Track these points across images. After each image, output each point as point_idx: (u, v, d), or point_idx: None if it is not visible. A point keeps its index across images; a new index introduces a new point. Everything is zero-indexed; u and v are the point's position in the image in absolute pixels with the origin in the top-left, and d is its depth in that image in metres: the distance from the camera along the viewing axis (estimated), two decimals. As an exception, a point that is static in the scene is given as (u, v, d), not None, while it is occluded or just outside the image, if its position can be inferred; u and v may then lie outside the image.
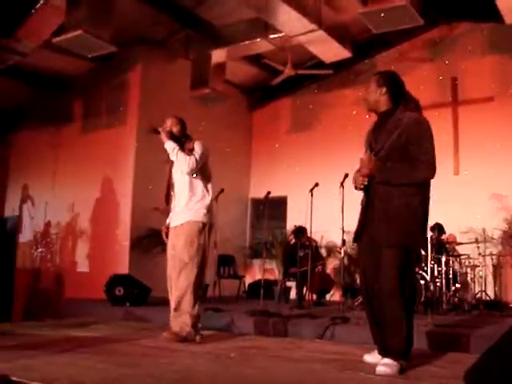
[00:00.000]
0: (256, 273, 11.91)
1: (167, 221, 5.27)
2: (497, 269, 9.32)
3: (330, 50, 9.27)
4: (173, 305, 4.91)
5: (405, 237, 3.75)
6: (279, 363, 4.09)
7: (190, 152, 5.04)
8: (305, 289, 8.85)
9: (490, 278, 8.96)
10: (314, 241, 9.50)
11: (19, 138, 12.43)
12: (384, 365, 3.60)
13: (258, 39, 9.44)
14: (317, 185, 7.33)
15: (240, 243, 12.43)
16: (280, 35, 9.11)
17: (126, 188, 10.14)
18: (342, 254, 7.73)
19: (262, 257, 8.69)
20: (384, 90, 4.00)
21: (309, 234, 8.32)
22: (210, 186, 5.21)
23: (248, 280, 11.54)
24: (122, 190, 10.23)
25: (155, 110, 9.55)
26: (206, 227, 5.04)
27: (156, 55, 10.59)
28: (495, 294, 9.02)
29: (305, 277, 8.40)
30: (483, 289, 8.57)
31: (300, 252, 8.63)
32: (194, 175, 5.05)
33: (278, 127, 12.89)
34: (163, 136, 5.11)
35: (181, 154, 4.99)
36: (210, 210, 5.11)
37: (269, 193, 7.69)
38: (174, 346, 4.70)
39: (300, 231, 9.30)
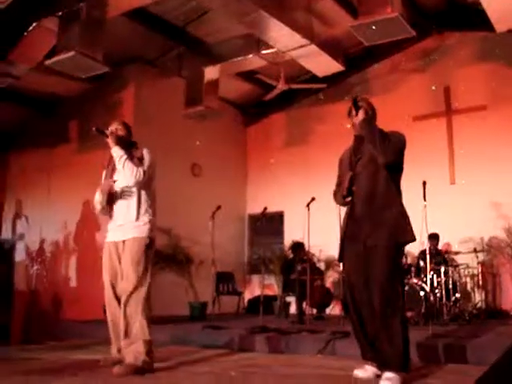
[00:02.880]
0: (255, 288, 11.86)
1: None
2: (496, 278, 9.29)
3: (323, 64, 9.29)
4: (122, 333, 4.35)
5: (394, 236, 3.82)
6: (281, 381, 4.06)
7: (139, 161, 4.60)
8: (304, 303, 8.81)
9: (489, 287, 8.93)
10: (312, 255, 9.47)
11: (15, 158, 12.42)
12: (386, 379, 3.59)
13: (251, 55, 9.46)
14: (313, 199, 7.32)
15: (238, 259, 12.39)
16: (272, 50, 9.12)
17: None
18: (341, 268, 7.70)
19: (260, 272, 8.67)
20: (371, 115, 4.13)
21: (306, 249, 8.29)
22: (154, 198, 4.74)
23: (247, 296, 11.50)
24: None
25: (149, 128, 9.55)
26: (152, 243, 4.57)
27: (149, 74, 10.61)
28: (495, 303, 8.98)
29: (304, 291, 8.36)
30: (483, 298, 8.55)
31: (298, 266, 8.61)
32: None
33: (273, 142, 12.89)
34: (111, 140, 4.61)
35: (129, 164, 4.52)
36: (153, 224, 4.63)
37: (265, 208, 7.68)
38: (174, 365, 4.65)
39: (297, 246, 9.30)
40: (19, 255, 11.77)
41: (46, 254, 11.45)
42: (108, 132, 4.67)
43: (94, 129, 4.62)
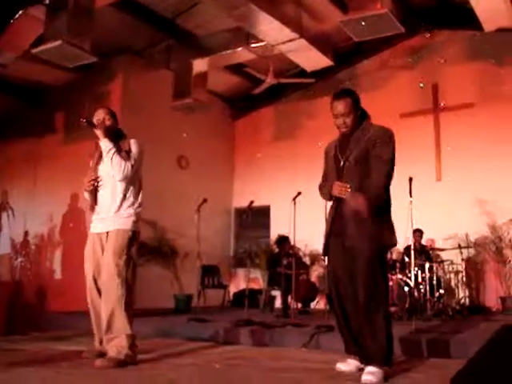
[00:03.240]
0: (240, 282, 11.87)
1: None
2: (480, 274, 9.37)
3: (312, 59, 9.29)
4: (104, 326, 4.29)
5: (379, 240, 3.81)
6: (265, 374, 4.06)
7: (127, 154, 4.50)
8: (289, 297, 8.83)
9: (473, 284, 9.00)
10: (298, 249, 9.49)
11: (0, 148, 12.31)
12: (369, 373, 3.59)
13: (240, 48, 9.45)
14: (299, 193, 7.32)
15: (224, 253, 12.40)
16: (261, 44, 9.11)
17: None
18: (326, 262, 7.72)
19: (246, 266, 8.68)
20: (360, 112, 4.07)
21: (292, 243, 8.31)
22: (140, 190, 4.64)
23: (232, 289, 11.51)
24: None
25: (137, 120, 9.50)
26: (136, 236, 4.50)
27: (137, 65, 10.56)
28: (478, 299, 9.05)
29: (289, 285, 8.38)
30: (467, 294, 8.62)
31: (284, 260, 8.62)
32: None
33: (261, 136, 12.89)
34: (100, 132, 4.51)
35: (116, 158, 4.43)
36: (138, 217, 4.55)
37: (252, 202, 7.67)
38: (158, 358, 4.65)
39: (282, 240, 9.32)
40: (4, 247, 11.73)
41: (31, 247, 11.38)
42: (96, 123, 4.57)
43: (83, 120, 4.53)
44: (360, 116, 4.06)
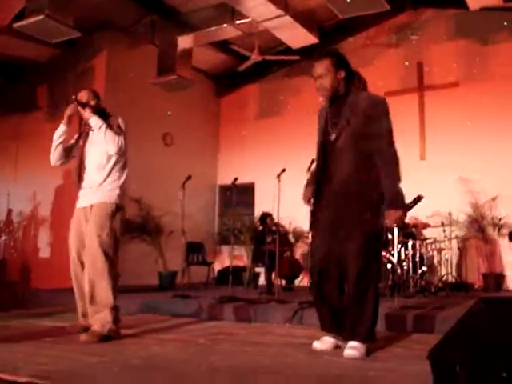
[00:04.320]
0: (225, 259, 11.90)
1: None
2: (462, 252, 9.47)
3: (297, 36, 9.27)
4: (87, 299, 4.33)
5: (369, 222, 3.73)
6: (248, 348, 4.09)
7: (118, 129, 4.57)
8: (273, 274, 8.88)
9: (455, 261, 9.10)
10: (282, 226, 9.53)
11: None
12: (351, 348, 3.62)
13: (225, 25, 9.38)
14: (284, 170, 7.33)
15: (208, 230, 12.42)
16: (247, 21, 9.05)
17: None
18: (310, 240, 7.76)
19: (230, 243, 8.70)
20: (343, 73, 3.88)
21: (276, 220, 8.34)
22: (125, 166, 4.70)
23: (217, 267, 11.54)
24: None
25: (121, 96, 9.43)
26: (120, 209, 4.54)
27: (122, 41, 10.45)
28: (461, 276, 9.16)
29: (273, 262, 8.43)
30: (449, 271, 8.71)
31: (268, 238, 8.66)
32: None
33: (246, 113, 12.86)
34: (88, 111, 4.56)
35: (109, 133, 4.48)
36: (123, 191, 4.61)
37: (236, 179, 7.68)
38: (142, 333, 4.68)
39: (266, 217, 9.35)
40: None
41: (14, 225, 11.31)
42: (85, 102, 4.62)
43: (73, 97, 4.58)
44: (347, 79, 3.89)
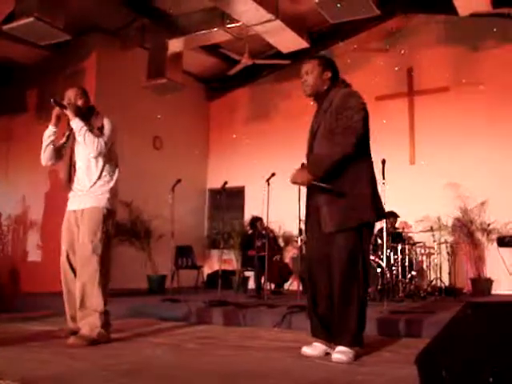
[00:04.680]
0: (214, 263, 11.89)
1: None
2: (451, 256, 9.50)
3: (288, 40, 9.27)
4: (77, 304, 4.32)
5: (352, 219, 3.72)
6: (237, 352, 4.09)
7: (99, 131, 4.50)
8: (263, 279, 8.88)
9: (444, 266, 9.12)
10: (272, 230, 9.54)
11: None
12: (339, 352, 3.63)
13: (215, 29, 9.37)
14: (273, 174, 7.35)
15: (198, 234, 12.41)
16: (237, 25, 9.05)
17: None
18: (299, 244, 7.78)
19: (219, 247, 8.70)
20: (329, 74, 3.99)
21: (265, 224, 8.34)
22: (116, 168, 4.66)
23: (206, 270, 11.53)
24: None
25: (111, 100, 9.41)
26: (111, 213, 4.54)
27: (112, 44, 10.41)
28: (450, 281, 9.20)
29: (263, 267, 8.43)
30: (438, 276, 8.74)
31: (258, 242, 8.67)
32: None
33: (236, 117, 12.86)
34: (70, 112, 4.48)
35: (89, 136, 4.41)
36: (114, 195, 4.59)
37: (225, 183, 7.69)
38: (131, 337, 4.66)
39: (255, 221, 9.35)
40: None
41: (3, 228, 11.25)
42: (66, 103, 4.54)
43: (52, 100, 4.52)
44: (332, 81, 3.98)
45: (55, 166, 4.93)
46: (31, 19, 7.17)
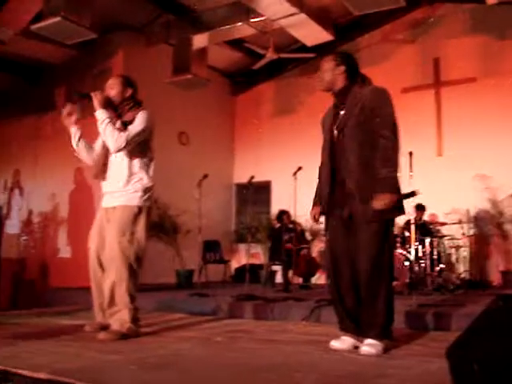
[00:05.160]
0: (242, 257, 11.93)
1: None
2: (480, 249, 9.40)
3: (312, 33, 9.23)
4: (106, 301, 4.30)
5: (380, 215, 3.68)
6: (265, 346, 4.10)
7: (123, 125, 4.35)
8: (290, 272, 8.88)
9: (473, 258, 9.03)
10: (299, 224, 9.52)
11: (1, 127, 12.31)
12: (368, 345, 3.62)
13: (240, 23, 9.37)
14: (300, 168, 7.33)
15: (225, 228, 12.44)
16: (262, 19, 9.04)
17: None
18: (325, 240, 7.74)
19: (247, 241, 8.72)
20: (342, 68, 3.94)
21: (292, 217, 8.33)
22: (150, 164, 4.56)
23: (234, 265, 11.57)
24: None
25: (137, 96, 9.44)
26: (143, 211, 4.42)
27: (137, 41, 10.48)
28: (479, 274, 9.10)
29: (290, 260, 8.43)
30: (467, 269, 8.66)
31: (285, 236, 8.66)
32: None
33: (262, 111, 12.86)
34: (95, 102, 4.32)
35: (109, 129, 4.25)
36: (147, 192, 4.46)
37: (252, 177, 7.69)
38: (160, 331, 4.70)
39: (282, 214, 9.34)
40: (14, 228, 11.74)
41: (34, 225, 11.40)
42: (93, 94, 4.37)
43: (74, 93, 4.53)
44: (349, 78, 3.94)
45: (82, 164, 4.88)
46: (58, 18, 7.25)
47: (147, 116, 4.46)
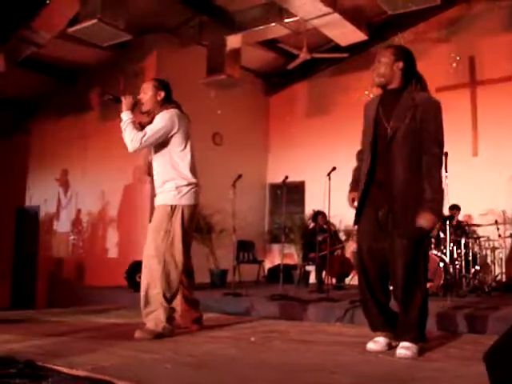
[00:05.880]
0: (275, 257, 11.94)
1: None
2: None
3: (346, 33, 9.21)
4: (142, 301, 4.35)
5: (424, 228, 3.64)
6: (299, 346, 4.11)
7: (141, 126, 4.47)
8: (324, 273, 8.87)
9: (510, 260, 8.90)
10: (333, 225, 9.51)
11: (38, 127, 12.53)
12: (403, 347, 3.60)
13: (273, 24, 9.38)
14: (334, 169, 7.32)
15: (259, 228, 12.47)
16: (295, 19, 9.04)
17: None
18: (356, 240, 7.71)
19: (281, 242, 8.73)
20: (401, 64, 3.82)
21: (327, 218, 8.31)
22: (185, 163, 4.53)
23: (267, 265, 11.58)
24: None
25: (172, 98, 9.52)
26: (178, 210, 4.41)
27: (171, 42, 10.57)
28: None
29: (324, 261, 8.42)
30: (503, 271, 8.54)
31: (319, 236, 8.65)
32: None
33: (295, 111, 12.85)
34: (123, 105, 4.47)
35: (128, 129, 4.35)
36: (182, 190, 4.44)
37: (286, 177, 7.71)
38: (194, 331, 4.74)
39: (318, 214, 9.33)
40: (63, 226, 11.94)
41: (83, 224, 11.55)
42: (122, 97, 4.51)
43: (104, 95, 4.66)
44: (406, 76, 3.84)
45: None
46: (94, 21, 7.37)
47: (167, 115, 4.50)
